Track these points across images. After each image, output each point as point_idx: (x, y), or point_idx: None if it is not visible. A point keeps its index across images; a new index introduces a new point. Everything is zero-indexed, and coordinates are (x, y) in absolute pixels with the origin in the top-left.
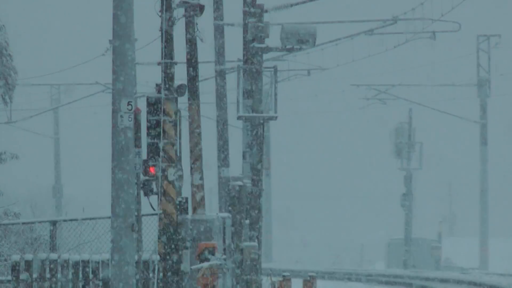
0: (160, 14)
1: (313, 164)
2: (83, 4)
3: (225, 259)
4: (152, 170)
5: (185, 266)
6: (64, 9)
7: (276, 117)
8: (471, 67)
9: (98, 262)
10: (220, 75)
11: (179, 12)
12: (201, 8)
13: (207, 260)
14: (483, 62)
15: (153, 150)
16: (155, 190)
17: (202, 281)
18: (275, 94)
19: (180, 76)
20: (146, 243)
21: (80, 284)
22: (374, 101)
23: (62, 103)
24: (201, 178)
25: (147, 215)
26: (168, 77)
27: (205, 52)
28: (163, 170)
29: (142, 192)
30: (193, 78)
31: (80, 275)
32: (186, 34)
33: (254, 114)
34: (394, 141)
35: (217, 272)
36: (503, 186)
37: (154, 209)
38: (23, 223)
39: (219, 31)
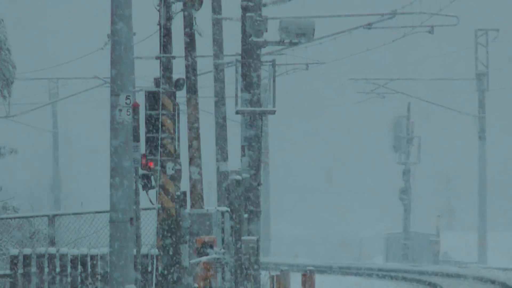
0: (158, 8)
1: (311, 158)
2: None
3: (223, 253)
4: (150, 164)
5: (184, 260)
6: (62, 3)
7: (274, 111)
8: (469, 61)
9: (97, 256)
10: (219, 69)
11: (177, 6)
12: (200, 2)
13: (206, 254)
14: (481, 56)
15: (152, 144)
16: (153, 184)
17: (201, 275)
18: (274, 88)
19: (179, 70)
20: (145, 237)
21: (79, 278)
22: (372, 95)
23: (61, 97)
24: (200, 172)
25: (146, 209)
26: (166, 71)
27: (204, 46)
28: (162, 164)
29: (140, 186)
30: (191, 72)
31: (79, 269)
32: (184, 28)
33: (253, 108)
34: (392, 135)
35: (215, 266)
36: (502, 180)
37: (152, 203)
38: (22, 217)
39: (217, 25)
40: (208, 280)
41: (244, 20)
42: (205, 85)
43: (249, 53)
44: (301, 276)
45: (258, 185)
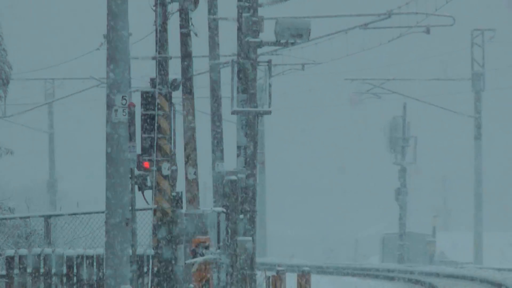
0: (154, 8)
1: (307, 158)
2: None
3: (219, 254)
4: (146, 164)
5: (179, 261)
6: (58, 4)
7: (270, 112)
8: (465, 61)
9: (93, 257)
10: (214, 69)
11: (173, 7)
12: (196, 2)
13: (202, 254)
14: (477, 56)
15: (148, 144)
16: (149, 184)
17: (197, 275)
18: (269, 89)
19: (175, 70)
20: (141, 238)
21: (74, 279)
22: (368, 95)
23: (57, 98)
24: (196, 173)
25: (142, 209)
26: (162, 71)
27: (199, 46)
28: (158, 165)
29: (136, 187)
30: (187, 73)
31: (75, 270)
32: (180, 29)
33: (248, 109)
34: (388, 136)
35: (211, 267)
36: (497, 180)
37: (148, 204)
38: (18, 218)
39: (213, 26)
40: (204, 281)
41: (240, 20)
42: (201, 85)
43: (245, 53)
44: (297, 276)
45: (254, 185)
